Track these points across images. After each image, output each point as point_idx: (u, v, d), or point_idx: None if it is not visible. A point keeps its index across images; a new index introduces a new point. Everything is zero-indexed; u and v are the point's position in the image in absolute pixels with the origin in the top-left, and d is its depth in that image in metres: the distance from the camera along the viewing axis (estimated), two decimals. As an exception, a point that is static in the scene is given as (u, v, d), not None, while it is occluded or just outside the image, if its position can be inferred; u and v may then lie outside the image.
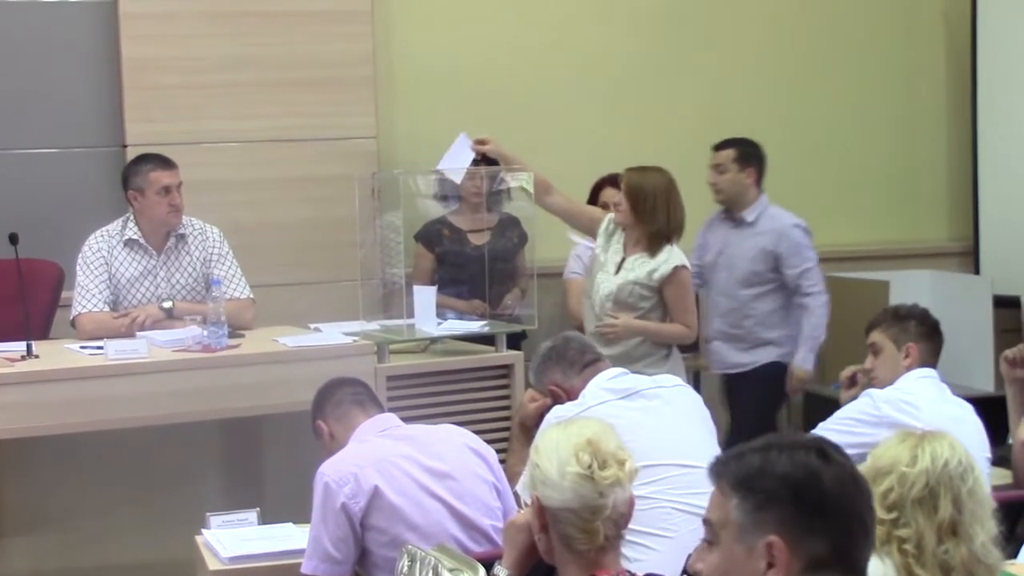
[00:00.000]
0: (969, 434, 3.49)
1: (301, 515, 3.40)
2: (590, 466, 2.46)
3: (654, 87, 6.41)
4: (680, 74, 6.44)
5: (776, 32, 6.61)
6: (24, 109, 5.55)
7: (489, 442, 3.48)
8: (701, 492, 3.26)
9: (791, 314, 5.42)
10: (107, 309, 4.74)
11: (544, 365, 3.69)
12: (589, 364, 3.64)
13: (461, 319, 5.00)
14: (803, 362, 5.37)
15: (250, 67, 5.66)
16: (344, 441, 3.37)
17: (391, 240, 5.39)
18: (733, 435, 5.11)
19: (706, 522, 2.00)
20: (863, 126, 6.76)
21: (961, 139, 6.74)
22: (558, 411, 3.43)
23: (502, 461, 3.50)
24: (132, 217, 4.83)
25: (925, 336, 3.89)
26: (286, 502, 3.82)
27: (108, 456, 4.38)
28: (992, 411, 3.96)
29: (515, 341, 5.09)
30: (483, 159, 5.45)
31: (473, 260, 5.36)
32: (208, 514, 3.62)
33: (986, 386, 5.61)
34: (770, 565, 1.88)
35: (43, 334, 4.84)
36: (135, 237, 4.81)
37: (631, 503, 2.51)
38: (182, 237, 4.85)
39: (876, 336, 3.93)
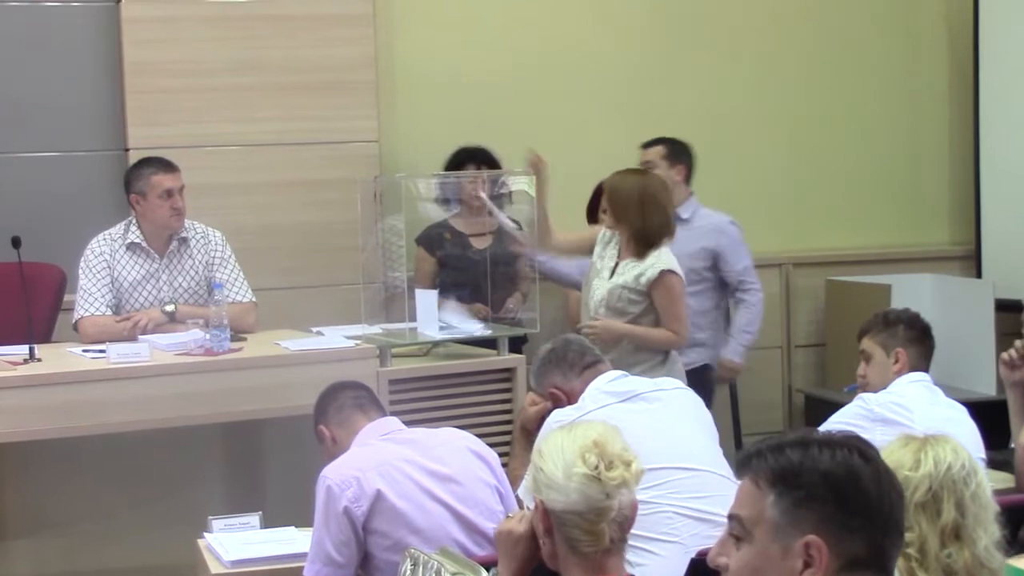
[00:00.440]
0: (962, 436, 3.49)
1: (303, 519, 3.40)
2: (597, 467, 2.45)
3: (656, 91, 6.41)
4: (681, 79, 6.44)
5: (778, 36, 6.60)
6: (26, 113, 5.55)
7: (491, 445, 3.47)
8: (704, 496, 3.29)
9: (721, 315, 5.43)
10: (109, 313, 4.74)
11: (544, 368, 3.68)
12: (589, 366, 3.63)
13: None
14: (733, 353, 5.38)
15: (252, 71, 5.67)
16: (346, 445, 3.37)
17: (393, 244, 5.40)
18: None
19: (734, 517, 1.93)
20: (865, 130, 6.76)
21: (963, 143, 6.74)
22: (558, 415, 3.42)
23: (504, 464, 3.50)
24: (134, 221, 4.84)
25: (914, 340, 3.90)
26: (288, 506, 3.82)
27: (110, 459, 4.38)
28: (994, 415, 3.97)
29: (517, 345, 5.09)
30: (480, 160, 5.46)
31: (475, 264, 5.37)
32: (210, 518, 3.62)
33: (988, 390, 5.61)
34: (807, 564, 1.83)
35: (45, 338, 4.84)
36: (137, 241, 4.81)
37: (635, 506, 2.51)
38: (184, 241, 4.86)
39: (866, 343, 3.96)
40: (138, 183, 4.79)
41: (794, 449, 1.89)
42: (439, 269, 5.55)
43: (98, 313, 4.72)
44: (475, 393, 4.66)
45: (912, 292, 5.81)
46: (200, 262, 4.86)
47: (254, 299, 4.90)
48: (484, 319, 5.09)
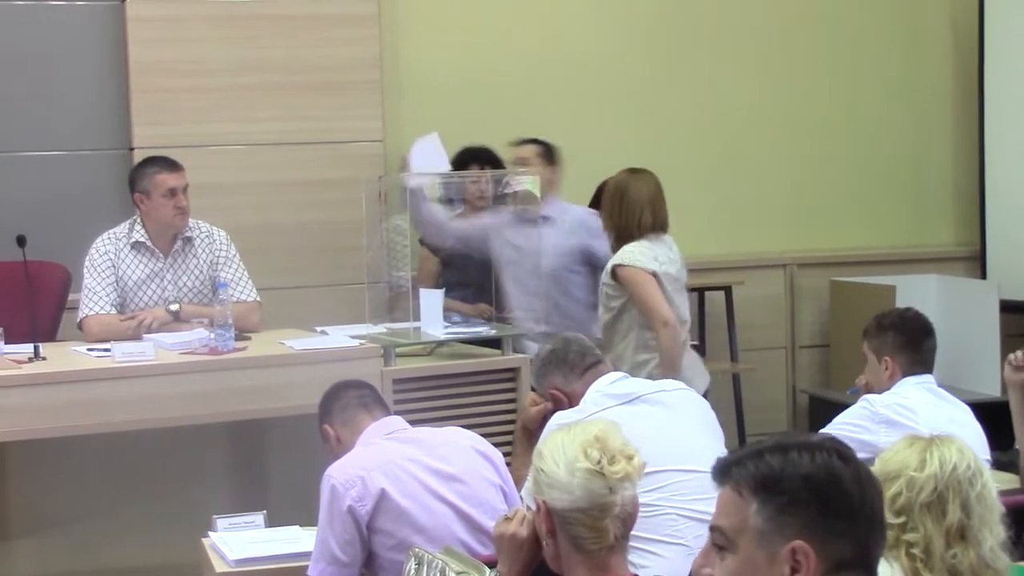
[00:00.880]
0: (967, 437, 3.48)
1: (307, 518, 3.41)
2: (599, 461, 2.46)
3: (660, 92, 6.41)
4: (685, 79, 6.45)
5: (782, 37, 6.61)
6: (31, 112, 5.56)
7: (496, 445, 3.48)
8: (708, 498, 3.24)
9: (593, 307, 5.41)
10: (114, 311, 4.74)
11: (545, 369, 3.68)
12: (590, 367, 3.62)
13: (467, 322, 5.00)
14: None
15: (257, 70, 5.67)
16: (351, 445, 3.36)
17: (397, 243, 5.40)
18: None
19: (716, 528, 1.92)
20: (870, 131, 6.76)
21: (968, 143, 6.74)
22: (559, 418, 3.41)
23: (508, 464, 3.50)
24: (139, 220, 4.84)
25: (903, 347, 3.89)
26: (292, 505, 3.83)
27: (114, 458, 4.38)
28: (998, 416, 3.96)
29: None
30: (484, 160, 5.45)
31: (478, 263, 5.36)
32: (214, 517, 3.63)
33: (993, 391, 5.61)
34: (794, 570, 1.83)
35: (50, 336, 4.85)
36: (142, 240, 4.81)
37: (637, 503, 2.52)
38: (189, 240, 4.86)
39: (864, 347, 3.97)
40: (142, 182, 4.80)
41: (773, 455, 1.88)
42: (443, 269, 5.55)
43: (103, 312, 4.73)
44: (479, 393, 4.65)
45: (917, 293, 5.81)
46: (205, 261, 4.87)
47: (258, 298, 4.90)
48: (488, 319, 5.10)
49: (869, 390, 3.93)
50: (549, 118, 6.16)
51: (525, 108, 6.14)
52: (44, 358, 4.27)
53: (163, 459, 4.42)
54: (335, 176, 5.69)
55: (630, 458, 2.50)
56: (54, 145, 5.61)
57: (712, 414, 3.63)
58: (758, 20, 6.56)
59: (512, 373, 4.71)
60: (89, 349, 4.47)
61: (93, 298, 4.74)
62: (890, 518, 2.36)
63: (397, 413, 3.61)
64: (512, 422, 4.49)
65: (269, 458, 4.60)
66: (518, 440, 3.79)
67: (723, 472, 1.93)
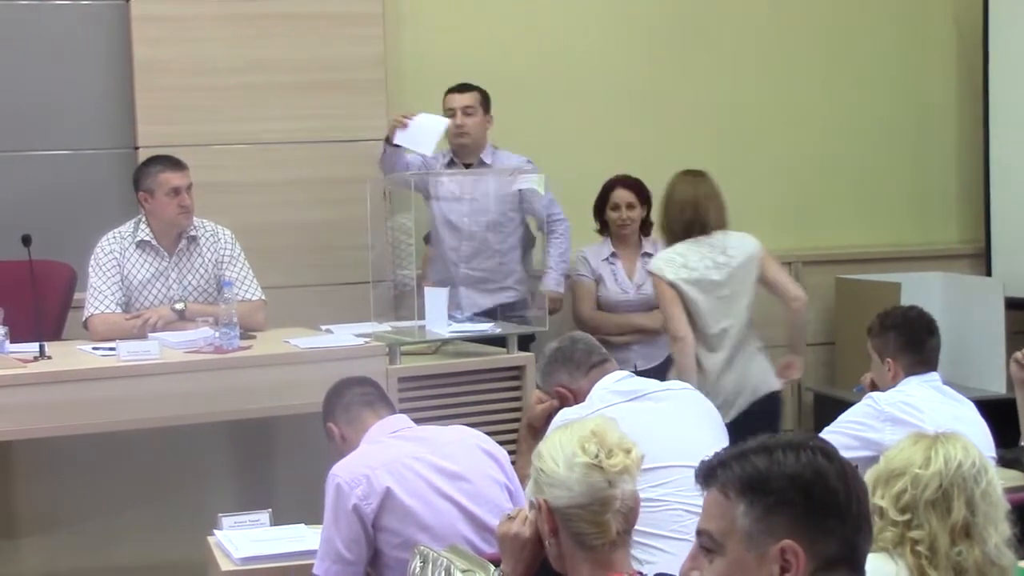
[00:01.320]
0: (972, 434, 3.49)
1: (313, 516, 3.41)
2: (597, 455, 2.47)
3: (666, 90, 6.40)
4: (692, 77, 6.44)
5: (787, 35, 6.60)
6: (36, 111, 5.56)
7: (500, 443, 3.48)
8: (713, 494, 3.29)
9: (526, 255, 5.52)
10: (119, 310, 4.75)
11: (550, 366, 3.68)
12: (595, 365, 3.62)
13: (472, 320, 5.00)
14: (557, 285, 5.45)
15: (261, 69, 5.67)
16: (355, 443, 3.37)
17: (402, 242, 5.40)
18: None
19: (704, 532, 1.92)
20: (874, 128, 6.75)
21: (972, 141, 6.73)
22: (565, 414, 3.41)
23: (513, 463, 3.50)
24: (144, 219, 4.84)
25: (905, 347, 3.88)
26: (298, 503, 3.82)
27: (120, 457, 4.38)
28: (1004, 413, 3.97)
29: (524, 343, 5.09)
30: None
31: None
32: (220, 515, 3.63)
33: (998, 388, 5.60)
34: (784, 570, 1.83)
35: (55, 335, 4.86)
36: (147, 238, 4.82)
37: (637, 498, 2.52)
38: (194, 239, 4.86)
39: (868, 346, 3.96)
40: (146, 181, 4.80)
41: (758, 456, 1.89)
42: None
43: (108, 311, 4.73)
44: (484, 391, 4.66)
45: (922, 290, 5.80)
46: (210, 260, 4.87)
47: (263, 297, 4.90)
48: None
49: (874, 388, 3.93)
50: (554, 117, 6.17)
51: (530, 106, 6.13)
52: (49, 357, 4.28)
53: (168, 458, 4.42)
54: (339, 175, 5.69)
55: (628, 451, 2.50)
56: (59, 144, 5.61)
57: (716, 413, 3.63)
58: (762, 19, 6.56)
59: (517, 371, 4.71)
60: (94, 348, 4.48)
61: (98, 297, 4.75)
62: (895, 515, 2.36)
63: (402, 411, 3.62)
64: (517, 420, 4.49)
65: (274, 456, 4.60)
66: (523, 438, 3.79)
67: (708, 475, 1.94)
